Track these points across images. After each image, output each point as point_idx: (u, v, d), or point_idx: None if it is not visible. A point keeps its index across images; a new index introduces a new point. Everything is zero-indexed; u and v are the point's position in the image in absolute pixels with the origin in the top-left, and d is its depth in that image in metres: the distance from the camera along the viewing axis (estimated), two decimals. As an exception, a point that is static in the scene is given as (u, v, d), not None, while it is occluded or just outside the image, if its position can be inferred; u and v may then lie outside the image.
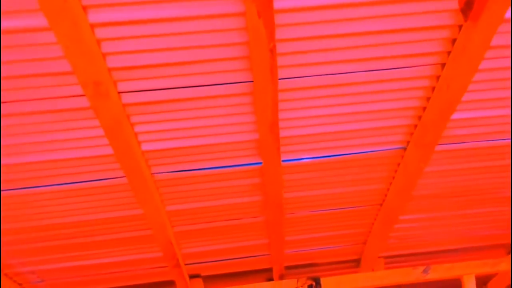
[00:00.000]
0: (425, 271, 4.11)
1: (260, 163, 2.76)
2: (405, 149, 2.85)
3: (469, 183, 3.29)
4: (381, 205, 3.41)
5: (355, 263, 4.28)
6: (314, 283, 4.05)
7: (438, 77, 2.40)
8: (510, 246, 4.28)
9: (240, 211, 3.29)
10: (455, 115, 2.58)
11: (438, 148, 2.83)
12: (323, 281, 4.06)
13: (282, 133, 2.55)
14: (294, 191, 3.12)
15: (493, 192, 3.44)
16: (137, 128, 2.46)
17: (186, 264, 3.87)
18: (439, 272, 4.11)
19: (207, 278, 4.15)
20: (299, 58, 2.23)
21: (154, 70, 2.17)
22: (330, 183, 3.12)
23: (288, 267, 4.18)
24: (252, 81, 2.21)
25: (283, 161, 2.75)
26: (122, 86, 2.20)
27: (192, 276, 4.09)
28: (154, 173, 2.79)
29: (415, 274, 4.11)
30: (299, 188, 3.11)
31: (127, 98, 2.26)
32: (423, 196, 3.35)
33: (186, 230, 3.45)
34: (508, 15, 2.11)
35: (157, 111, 2.39)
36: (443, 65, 2.35)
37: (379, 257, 4.16)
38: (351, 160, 2.91)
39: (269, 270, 4.16)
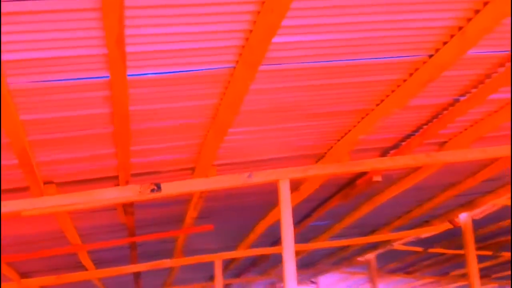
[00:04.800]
0: (249, 176, 4.25)
1: (107, 76, 2.65)
2: (234, 68, 2.87)
3: (289, 100, 3.39)
4: (214, 118, 3.43)
5: (191, 171, 4.33)
6: (155, 187, 4.06)
7: (263, 2, 2.41)
8: (318, 155, 4.52)
9: (90, 122, 3.17)
10: (277, 39, 2.63)
11: (262, 68, 2.87)
12: (163, 186, 4.08)
13: (129, 49, 2.47)
14: (139, 104, 3.05)
15: (309, 108, 3.57)
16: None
17: (40, 171, 3.71)
18: (260, 177, 4.27)
19: (60, 185, 4.02)
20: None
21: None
22: (170, 98, 3.07)
23: (133, 175, 4.14)
24: (100, -3, 2.11)
25: (129, 75, 2.66)
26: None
27: (46, 183, 3.94)
28: (10, 83, 2.60)
29: (242, 179, 4.24)
30: (144, 101, 3.04)
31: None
32: (249, 111, 3.41)
33: (40, 139, 3.29)
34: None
35: (13, 22, 2.22)
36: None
37: (212, 165, 4.23)
38: (188, 77, 2.89)
39: (117, 177, 4.10)
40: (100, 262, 6.90)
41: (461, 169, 5.28)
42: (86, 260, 6.52)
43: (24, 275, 6.68)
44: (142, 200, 4.71)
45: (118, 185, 4.15)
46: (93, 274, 6.96)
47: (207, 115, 3.39)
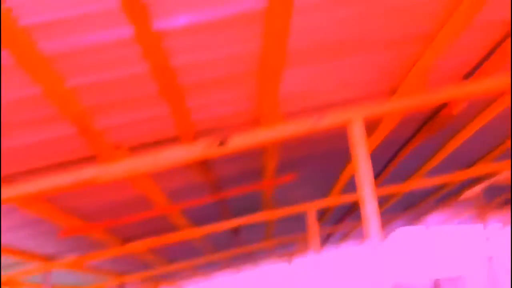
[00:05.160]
0: (318, 120, 4.04)
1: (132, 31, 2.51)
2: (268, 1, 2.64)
3: (341, 32, 3.10)
4: (263, 63, 3.23)
5: (257, 122, 4.17)
6: (222, 142, 3.96)
7: None
8: (391, 90, 4.21)
9: (135, 81, 3.06)
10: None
11: None
12: (230, 139, 3.97)
13: (147, -2, 2.32)
14: (180, 57, 2.91)
15: (366, 39, 3.27)
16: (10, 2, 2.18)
17: (105, 137, 3.70)
18: (330, 119, 4.04)
19: (130, 149, 4.01)
20: None
21: None
22: (210, 47, 2.89)
23: (199, 132, 4.05)
24: None
25: (158, 27, 2.51)
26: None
27: (116, 148, 3.94)
28: (41, 48, 2.53)
29: (309, 123, 4.03)
30: (185, 53, 2.89)
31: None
32: (301, 49, 3.17)
33: (94, 104, 3.23)
34: None
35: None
36: None
37: (277, 113, 4.05)
38: (223, 22, 2.69)
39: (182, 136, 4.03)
40: (193, 222, 6.99)
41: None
42: (180, 221, 6.61)
43: (124, 241, 6.90)
44: (214, 157, 4.65)
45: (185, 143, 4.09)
46: (191, 233, 7.07)
47: (255, 60, 3.19)
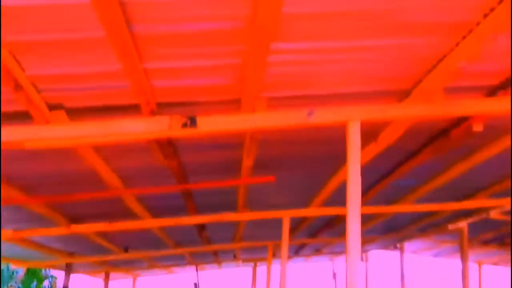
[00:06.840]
0: (309, 114, 3.25)
1: None
2: None
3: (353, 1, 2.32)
4: (251, 23, 2.43)
5: (236, 104, 3.36)
6: (189, 122, 3.15)
7: None
8: (403, 93, 3.42)
9: (72, 16, 2.24)
10: None
11: None
12: (199, 120, 3.16)
13: None
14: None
15: (395, 15, 2.46)
16: None
17: (41, 91, 2.89)
18: (324, 116, 3.25)
19: (71, 112, 3.19)
20: None
21: None
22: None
23: (160, 104, 3.25)
24: None
25: None
26: None
27: (53, 107, 3.12)
28: None
29: (299, 117, 3.24)
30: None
31: None
32: (298, 16, 2.38)
33: (24, 41, 2.42)
34: None
35: None
36: None
37: (261, 97, 3.26)
38: None
39: (139, 106, 3.21)
40: (154, 211, 6.18)
41: None
42: (137, 208, 5.80)
43: (72, 221, 6.08)
44: (177, 138, 3.85)
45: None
46: (147, 223, 6.26)
47: (240, 16, 2.39)
